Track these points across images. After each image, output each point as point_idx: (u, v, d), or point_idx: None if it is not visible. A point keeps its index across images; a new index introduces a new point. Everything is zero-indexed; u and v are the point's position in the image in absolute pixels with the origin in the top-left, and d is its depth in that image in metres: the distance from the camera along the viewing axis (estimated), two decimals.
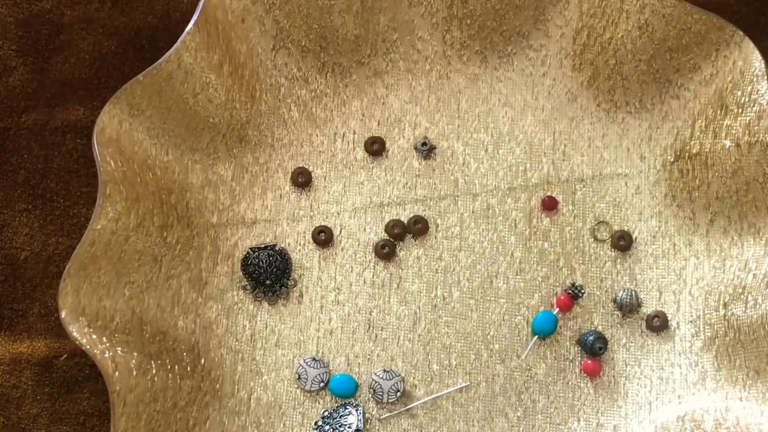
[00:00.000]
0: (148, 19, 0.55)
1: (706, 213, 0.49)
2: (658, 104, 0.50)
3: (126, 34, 0.55)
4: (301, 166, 0.51)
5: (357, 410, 0.48)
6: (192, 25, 0.46)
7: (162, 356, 0.46)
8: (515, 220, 0.51)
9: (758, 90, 0.45)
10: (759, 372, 0.45)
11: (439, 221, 0.51)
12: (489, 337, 0.49)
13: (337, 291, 0.50)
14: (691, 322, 0.49)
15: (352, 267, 0.50)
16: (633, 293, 0.49)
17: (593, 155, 0.51)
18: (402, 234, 0.50)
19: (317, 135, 0.52)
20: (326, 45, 0.51)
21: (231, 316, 0.49)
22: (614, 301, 0.49)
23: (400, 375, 0.48)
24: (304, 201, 0.51)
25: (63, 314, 0.42)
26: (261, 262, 0.49)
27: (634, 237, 0.50)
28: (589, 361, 0.48)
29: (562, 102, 0.52)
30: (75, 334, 0.42)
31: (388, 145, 0.52)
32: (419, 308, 0.50)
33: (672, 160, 0.50)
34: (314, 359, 0.49)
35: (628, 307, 0.49)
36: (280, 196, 0.51)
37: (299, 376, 0.48)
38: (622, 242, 0.50)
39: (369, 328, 0.50)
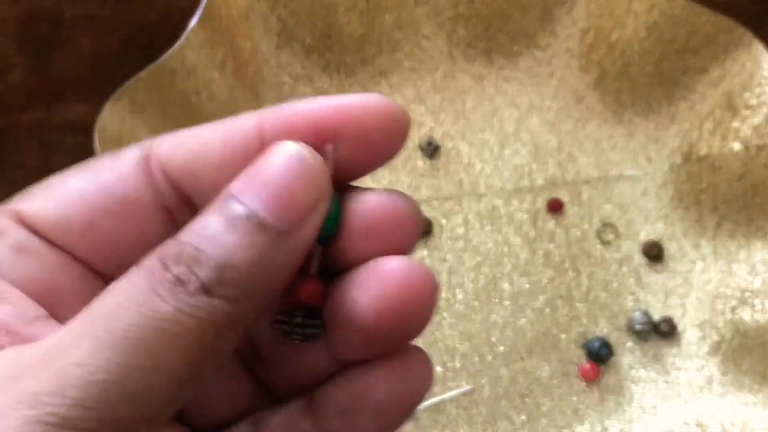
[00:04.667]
0: (149, 16, 0.54)
1: (714, 216, 0.49)
2: (665, 106, 0.50)
3: (127, 32, 0.54)
4: None
5: None
6: (195, 22, 0.46)
7: None
8: (520, 222, 0.50)
9: (767, 92, 0.45)
10: (766, 377, 0.45)
11: (443, 222, 0.50)
12: (493, 339, 0.49)
13: None
14: (697, 326, 0.48)
15: None
16: (647, 316, 0.48)
17: (599, 157, 0.51)
18: None
19: None
20: (331, 43, 0.51)
21: None
22: (629, 329, 0.48)
23: None
24: None
25: None
26: None
27: (640, 240, 0.50)
28: (587, 366, 0.48)
29: (569, 103, 0.51)
30: None
31: None
32: None
33: (679, 162, 0.50)
34: None
35: (644, 334, 0.48)
36: None
37: None
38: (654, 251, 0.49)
39: None
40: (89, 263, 0.20)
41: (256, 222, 0.18)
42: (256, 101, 0.50)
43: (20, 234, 0.20)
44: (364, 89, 0.52)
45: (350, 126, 0.19)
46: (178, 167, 0.20)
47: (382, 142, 0.20)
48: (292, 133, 0.19)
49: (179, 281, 0.17)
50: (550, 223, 0.50)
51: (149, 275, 0.17)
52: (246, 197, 0.18)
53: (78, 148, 0.53)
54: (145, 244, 0.20)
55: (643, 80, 0.50)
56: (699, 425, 0.46)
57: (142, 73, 0.45)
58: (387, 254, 0.19)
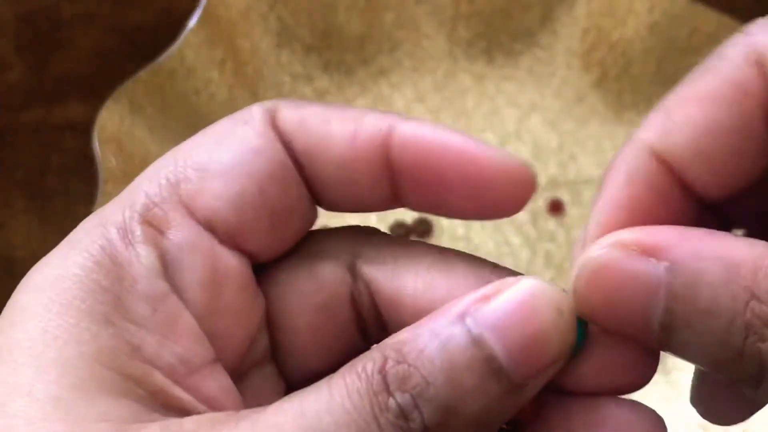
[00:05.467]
0: (149, 15, 0.54)
1: None
2: None
3: (127, 31, 0.54)
4: None
5: None
6: (195, 22, 0.46)
7: None
8: (521, 222, 0.50)
9: None
10: None
11: (443, 222, 0.50)
12: None
13: None
14: None
15: None
16: None
17: (601, 156, 0.51)
18: (406, 235, 0.50)
19: None
20: (330, 42, 0.51)
21: None
22: None
23: None
24: None
25: None
26: None
27: None
28: None
29: (570, 102, 0.51)
30: None
31: None
32: None
33: None
34: None
35: None
36: None
37: None
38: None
39: None
40: (260, 253, 0.19)
41: (494, 368, 0.16)
42: (255, 100, 0.50)
43: (191, 229, 0.18)
44: (364, 88, 0.52)
45: (477, 172, 0.19)
46: (301, 146, 0.19)
47: (504, 198, 0.19)
48: (419, 156, 0.19)
49: (402, 415, 0.16)
50: (551, 223, 0.50)
51: (371, 397, 0.16)
52: (489, 336, 0.16)
53: (77, 148, 0.53)
54: (304, 218, 0.20)
55: (645, 80, 0.50)
56: (700, 426, 0.46)
57: (141, 73, 0.45)
58: (618, 391, 0.18)
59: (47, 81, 0.54)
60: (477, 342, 0.16)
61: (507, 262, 0.49)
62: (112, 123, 0.44)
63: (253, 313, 0.19)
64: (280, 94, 0.51)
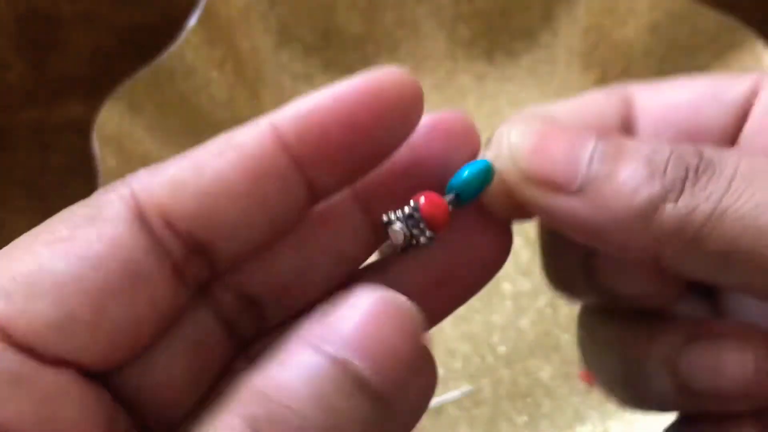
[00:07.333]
0: (148, 15, 0.54)
1: None
2: None
3: (126, 30, 0.54)
4: None
5: None
6: (194, 22, 0.45)
7: None
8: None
9: None
10: None
11: None
12: (494, 339, 0.49)
13: None
14: None
15: None
16: None
17: None
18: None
19: None
20: (330, 43, 0.51)
21: None
22: None
23: None
24: None
25: None
26: None
27: None
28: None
29: None
30: None
31: None
32: None
33: None
34: None
35: None
36: None
37: None
38: None
39: None
40: (94, 367, 0.16)
41: (362, 384, 0.15)
42: (255, 101, 0.50)
43: (10, 359, 0.15)
44: None
45: (370, 108, 0.17)
46: (189, 214, 0.17)
47: (401, 117, 0.18)
48: (319, 133, 0.17)
49: None
50: None
51: None
52: (351, 354, 0.15)
53: (76, 148, 0.53)
54: (157, 319, 0.17)
55: (646, 79, 0.50)
56: None
57: (141, 73, 0.45)
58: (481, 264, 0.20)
59: (47, 81, 0.53)
60: (342, 363, 0.15)
61: (507, 262, 0.49)
62: (112, 123, 0.44)
63: (99, 413, 0.17)
64: (280, 94, 0.51)
